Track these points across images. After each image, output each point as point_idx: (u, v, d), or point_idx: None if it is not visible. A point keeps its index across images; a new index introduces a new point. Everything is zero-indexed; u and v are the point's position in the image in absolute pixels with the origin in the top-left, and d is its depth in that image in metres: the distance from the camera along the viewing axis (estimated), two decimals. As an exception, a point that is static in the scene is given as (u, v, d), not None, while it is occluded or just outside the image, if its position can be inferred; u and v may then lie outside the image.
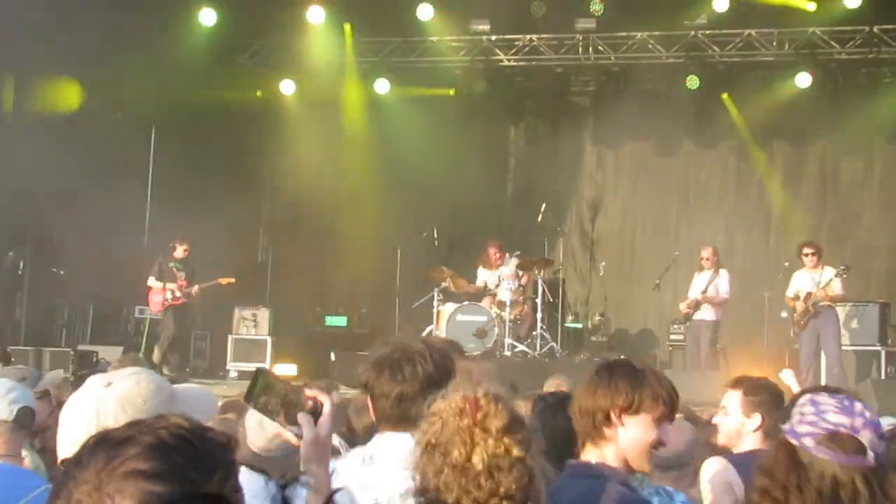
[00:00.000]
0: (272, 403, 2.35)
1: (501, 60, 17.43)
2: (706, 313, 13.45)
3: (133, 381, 2.22)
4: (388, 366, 3.06)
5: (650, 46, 16.78)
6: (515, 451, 2.15)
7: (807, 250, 12.88)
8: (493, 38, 17.22)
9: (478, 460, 2.14)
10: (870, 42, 16.01)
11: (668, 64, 16.99)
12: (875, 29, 15.83)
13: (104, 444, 1.48)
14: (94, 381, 2.25)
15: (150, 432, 1.51)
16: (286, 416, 2.37)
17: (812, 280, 12.74)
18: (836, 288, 12.65)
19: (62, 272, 14.38)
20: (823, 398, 2.59)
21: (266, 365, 14.65)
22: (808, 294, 12.66)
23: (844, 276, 12.69)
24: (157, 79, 15.04)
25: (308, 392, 2.41)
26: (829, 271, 12.70)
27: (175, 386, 2.32)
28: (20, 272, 13.90)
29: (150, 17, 14.90)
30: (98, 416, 2.12)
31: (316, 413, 2.38)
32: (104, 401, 2.14)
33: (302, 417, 2.35)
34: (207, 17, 15.76)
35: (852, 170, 17.16)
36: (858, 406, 2.55)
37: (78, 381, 11.74)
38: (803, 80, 16.13)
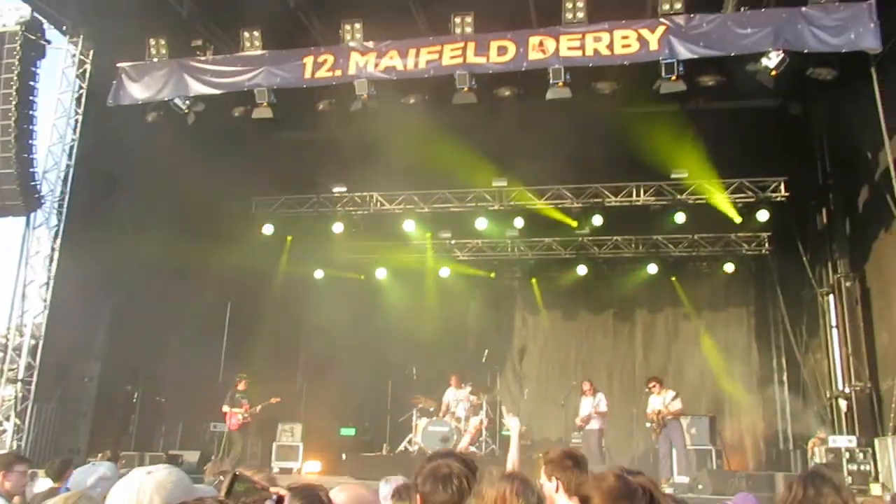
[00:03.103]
0: (249, 499, 2.05)
1: (458, 256, 18.12)
2: (594, 424, 13.26)
3: (167, 471, 2.11)
4: (441, 480, 2.69)
5: (553, 247, 17.60)
6: None
7: (651, 384, 12.92)
8: (453, 241, 17.88)
9: None
10: (693, 244, 16.80)
11: (565, 258, 17.53)
12: (696, 236, 16.69)
13: None
14: (137, 471, 2.10)
15: None
16: None
17: (659, 401, 12.71)
18: (676, 406, 12.57)
19: (163, 399, 14.37)
20: None
21: (299, 464, 14.67)
22: (658, 411, 12.64)
23: (679, 398, 12.63)
24: (233, 269, 15.37)
25: (273, 489, 2.12)
26: (670, 394, 12.62)
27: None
28: (134, 400, 13.86)
29: (229, 228, 15.54)
30: (139, 494, 2.00)
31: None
32: (144, 484, 2.04)
33: None
34: (267, 229, 16.36)
35: (687, 329, 17.61)
36: None
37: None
38: (652, 268, 16.92)
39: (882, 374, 12.58)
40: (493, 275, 18.58)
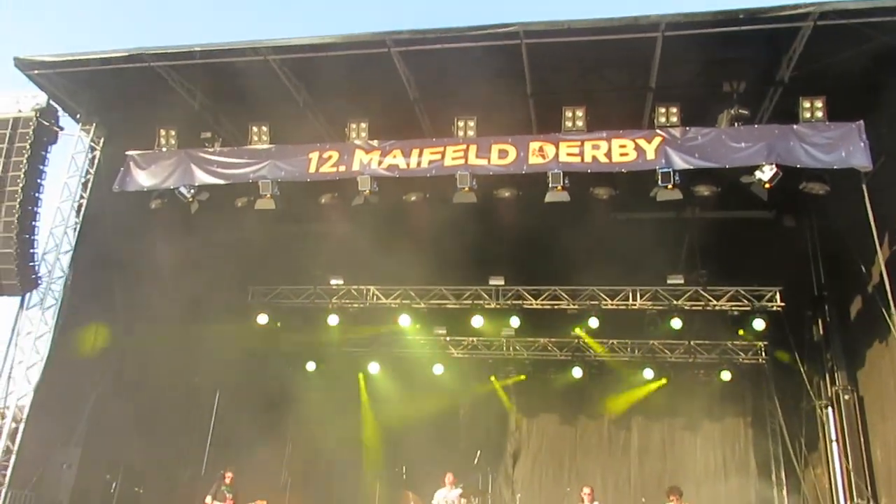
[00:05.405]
0: None
1: (453, 353, 17.94)
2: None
3: None
4: None
5: (549, 348, 17.53)
6: None
7: (672, 496, 12.05)
8: (448, 338, 17.73)
9: None
10: (689, 350, 16.83)
11: (560, 360, 17.44)
12: (692, 343, 16.73)
13: None
14: None
15: None
16: None
17: None
18: None
19: (141, 490, 13.99)
20: None
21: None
22: None
23: None
24: (224, 358, 15.33)
25: None
26: None
27: None
28: (112, 490, 13.53)
29: (224, 316, 15.55)
30: None
31: None
32: None
33: None
34: (262, 319, 16.28)
35: (683, 438, 17.24)
36: None
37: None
38: (648, 373, 16.87)
39: (880, 490, 12.28)
40: (485, 374, 18.21)
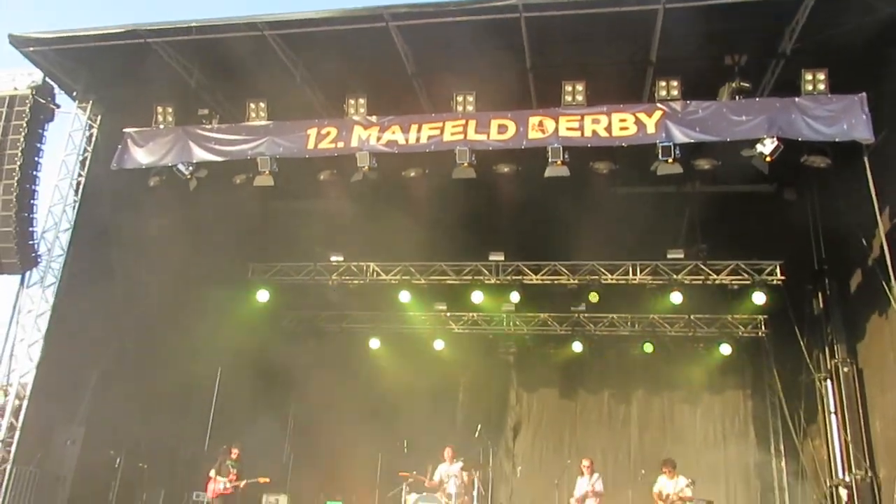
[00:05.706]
0: None
1: (453, 329, 17.98)
2: None
3: None
4: None
5: (549, 323, 17.60)
6: None
7: (666, 468, 12.62)
8: (448, 314, 17.75)
9: None
10: (689, 324, 16.86)
11: (560, 335, 17.53)
12: (692, 317, 16.78)
13: None
14: None
15: None
16: None
17: (671, 485, 12.43)
18: (688, 493, 12.26)
19: (145, 466, 14.10)
20: None
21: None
22: (668, 495, 12.36)
23: (692, 486, 12.32)
24: (225, 335, 15.29)
25: None
26: (683, 480, 12.35)
27: None
28: (116, 466, 13.65)
29: (224, 293, 15.47)
30: None
31: None
32: None
33: None
34: (262, 296, 16.30)
35: (683, 411, 17.31)
36: None
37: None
38: (648, 347, 16.80)
39: (878, 462, 12.38)
40: (487, 349, 18.25)
